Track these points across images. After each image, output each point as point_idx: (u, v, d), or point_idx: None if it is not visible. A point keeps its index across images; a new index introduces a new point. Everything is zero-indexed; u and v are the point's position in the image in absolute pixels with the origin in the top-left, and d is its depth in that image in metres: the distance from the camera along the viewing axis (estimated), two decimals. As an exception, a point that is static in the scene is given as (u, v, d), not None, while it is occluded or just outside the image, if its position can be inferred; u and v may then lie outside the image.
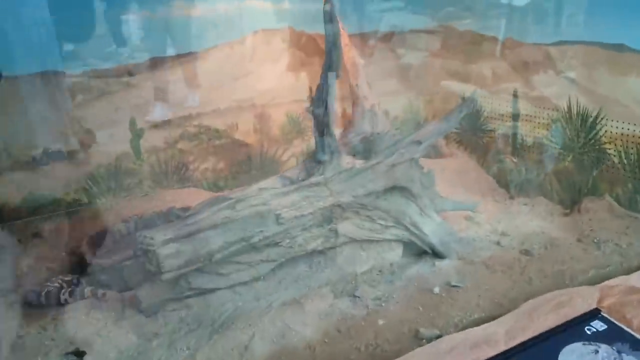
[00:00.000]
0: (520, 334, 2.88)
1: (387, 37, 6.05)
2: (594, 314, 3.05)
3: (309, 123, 3.53)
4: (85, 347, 3.06)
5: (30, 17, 4.06)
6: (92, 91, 4.53)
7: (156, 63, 4.78)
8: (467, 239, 4.13)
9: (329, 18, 3.56)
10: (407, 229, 3.86)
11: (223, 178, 5.23)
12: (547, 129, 5.11)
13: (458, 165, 5.79)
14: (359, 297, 3.47)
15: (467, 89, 5.69)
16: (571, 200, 4.68)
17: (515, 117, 5.39)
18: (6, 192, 4.31)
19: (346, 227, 3.72)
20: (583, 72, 4.88)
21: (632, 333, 2.86)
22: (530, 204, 4.83)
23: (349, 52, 4.25)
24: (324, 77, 3.61)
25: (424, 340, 3.00)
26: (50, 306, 3.48)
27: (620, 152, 4.45)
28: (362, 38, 5.76)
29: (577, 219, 4.44)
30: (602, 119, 4.57)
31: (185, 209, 4.05)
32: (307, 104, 3.83)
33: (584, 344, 2.83)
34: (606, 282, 3.34)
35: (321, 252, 3.76)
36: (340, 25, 3.88)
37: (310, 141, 3.56)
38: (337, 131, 3.85)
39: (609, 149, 4.54)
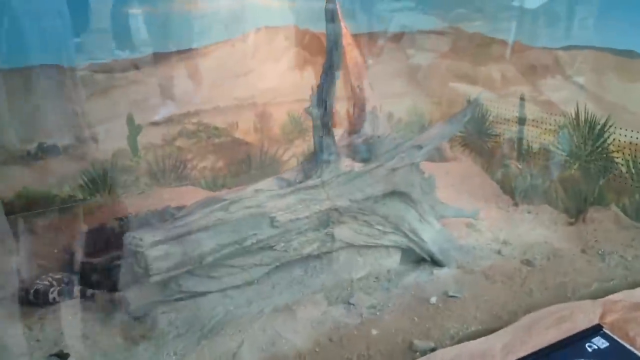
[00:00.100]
0: (518, 349, 2.78)
1: (397, 38, 5.97)
2: (596, 330, 2.95)
3: (311, 123, 3.47)
4: (70, 349, 2.99)
5: (27, 11, 3.99)
6: (90, 86, 4.45)
7: (156, 59, 4.69)
8: (468, 247, 4.02)
9: (331, 17, 3.47)
10: (406, 235, 3.76)
11: (222, 177, 5.15)
12: (554, 135, 5.00)
13: (462, 170, 5.69)
14: (353, 304, 3.38)
15: (474, 92, 5.59)
16: (576, 209, 4.56)
17: (522, 121, 5.29)
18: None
19: (343, 232, 3.63)
20: (592, 77, 4.76)
21: (635, 352, 2.75)
22: (534, 212, 4.72)
23: (352, 52, 4.15)
24: (324, 77, 3.52)
25: (418, 353, 2.90)
26: (39, 305, 3.41)
27: (629, 161, 4.33)
28: (371, 38, 5.67)
29: (582, 229, 4.32)
30: (610, 126, 4.45)
31: (181, 208, 3.96)
32: (307, 104, 3.74)
33: (584, 362, 2.73)
34: (609, 297, 3.24)
35: (317, 257, 3.67)
36: (343, 24, 3.79)
37: (312, 141, 3.48)
38: (336, 133, 3.76)
39: (617, 157, 4.42)
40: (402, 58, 6.14)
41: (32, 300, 3.43)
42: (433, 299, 3.39)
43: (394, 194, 3.72)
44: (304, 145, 5.49)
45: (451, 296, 3.42)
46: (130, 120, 4.61)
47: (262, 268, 3.47)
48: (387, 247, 3.81)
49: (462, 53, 5.96)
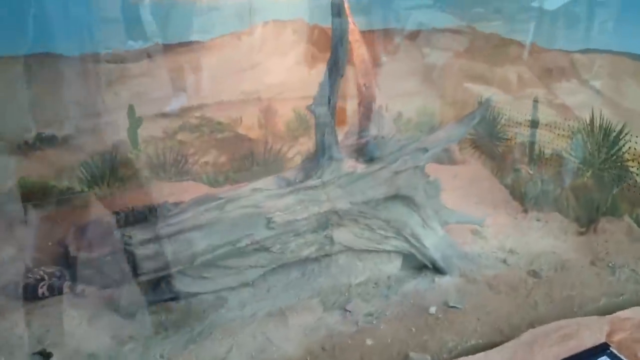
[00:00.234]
0: (519, 367, 2.65)
1: (413, 35, 5.85)
2: (602, 349, 2.82)
3: (316, 121, 3.41)
4: (55, 348, 2.89)
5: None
6: (91, 76, 4.36)
7: (160, 51, 4.60)
8: (472, 254, 3.88)
9: (337, 11, 3.35)
10: (408, 241, 3.63)
11: (224, 173, 5.04)
12: (568, 141, 4.84)
13: (471, 173, 5.53)
14: (349, 311, 3.26)
15: (488, 94, 5.44)
16: (588, 218, 4.39)
17: (535, 125, 5.13)
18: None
19: (343, 235, 3.51)
20: (609, 82, 4.60)
21: (643, 375, 2.61)
22: (543, 220, 4.56)
23: (359, 49, 4.01)
24: (328, 74, 3.40)
25: (414, 366, 2.78)
26: (28, 299, 3.32)
27: (644, 170, 4.17)
28: (386, 35, 5.54)
29: (592, 239, 4.16)
30: (626, 134, 4.30)
31: (179, 204, 3.87)
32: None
33: (588, 383, 2.60)
34: (618, 314, 3.10)
35: (315, 260, 3.56)
36: (351, 19, 3.66)
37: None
38: (340, 132, 3.64)
39: (632, 166, 4.26)
40: (416, 56, 6.00)
41: (21, 295, 3.35)
42: (432, 309, 3.26)
43: (397, 197, 3.59)
44: (309, 143, 5.35)
45: (452, 307, 3.28)
46: (131, 112, 4.51)
47: (258, 270, 3.37)
48: (388, 252, 3.68)
49: (478, 53, 5.82)
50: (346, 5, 3.40)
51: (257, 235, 3.20)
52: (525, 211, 4.72)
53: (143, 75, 4.51)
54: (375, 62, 4.82)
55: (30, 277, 3.48)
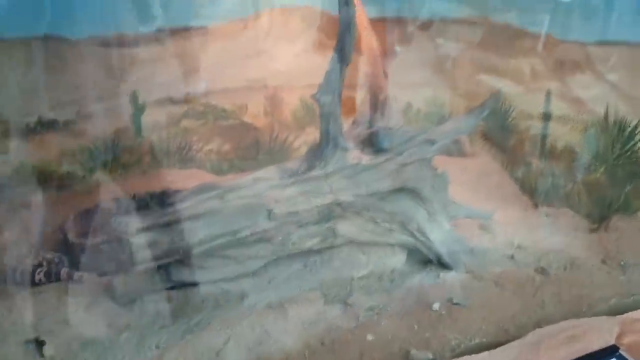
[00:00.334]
0: (523, 369, 2.56)
1: (426, 25, 5.74)
2: (612, 351, 2.72)
3: (324, 110, 3.32)
4: (49, 336, 2.85)
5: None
6: (94, 60, 4.29)
7: (165, 36, 4.51)
8: (479, 250, 3.77)
9: (345, -2, 3.23)
10: (413, 235, 3.53)
11: (228, 161, 4.96)
12: (581, 135, 4.71)
13: (480, 166, 5.41)
14: (351, 305, 3.17)
15: (500, 86, 5.32)
16: (599, 215, 4.27)
17: (547, 118, 5.01)
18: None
19: (346, 228, 3.41)
20: (625, 75, 4.46)
21: (654, 380, 2.51)
22: (553, 216, 4.44)
23: (367, 37, 3.90)
24: (334, 62, 3.30)
25: (415, 364, 2.70)
26: (24, 285, 3.28)
27: (659, 167, 4.05)
28: (399, 24, 5.42)
29: (604, 237, 4.04)
30: (641, 129, 4.17)
31: (181, 192, 3.80)
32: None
33: (595, 387, 2.50)
34: (629, 315, 3.00)
35: (318, 252, 3.48)
36: (360, 7, 3.55)
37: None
38: (345, 122, 3.55)
39: (647, 163, 4.13)
40: (428, 47, 5.90)
41: (18, 280, 3.30)
42: (436, 305, 3.17)
43: (403, 190, 3.49)
44: (316, 132, 5.18)
45: (456, 303, 3.19)
46: (134, 97, 4.44)
47: (258, 261, 3.29)
48: (392, 245, 3.59)
49: (492, 45, 5.72)
50: (355, -8, 3.29)
51: (257, 226, 3.12)
52: (535, 206, 4.61)
53: (147, 61, 4.44)
54: (386, 52, 4.70)
55: (27, 263, 3.43)
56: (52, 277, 3.34)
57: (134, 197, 4.04)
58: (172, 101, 4.68)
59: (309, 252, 3.43)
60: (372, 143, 3.58)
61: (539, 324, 2.99)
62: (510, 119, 5.43)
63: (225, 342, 2.84)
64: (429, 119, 5.86)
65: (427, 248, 3.56)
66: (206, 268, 3.20)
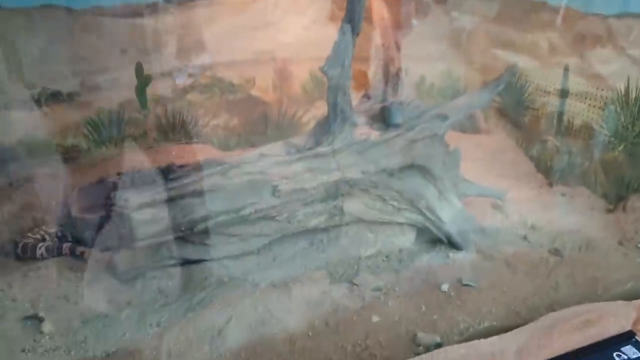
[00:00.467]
0: (535, 354, 2.47)
1: (445, -3, 5.56)
2: (628, 337, 2.64)
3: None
4: (48, 312, 2.80)
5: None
6: (98, 31, 4.17)
7: (170, 5, 4.39)
8: (491, 230, 3.66)
9: (355, -35, 3.08)
10: (422, 214, 3.42)
11: (235, 136, 4.85)
12: (599, 112, 4.54)
13: (495, 143, 5.28)
14: (357, 285, 3.09)
15: (517, 60, 5.15)
16: (617, 195, 4.13)
17: (564, 95, 4.84)
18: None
19: (353, 206, 3.31)
20: (648, 50, 4.28)
21: (671, 368, 2.41)
22: (569, 195, 4.31)
23: (379, 7, 3.75)
24: (342, 33, 3.16)
25: (421, 347, 2.61)
26: (26, 260, 3.23)
27: (681, 146, 3.88)
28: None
29: (621, 218, 3.90)
30: (664, 106, 3.99)
31: (186, 167, 3.71)
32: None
33: (610, 374, 2.41)
34: (646, 299, 2.87)
35: (324, 230, 3.38)
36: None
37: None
38: (354, 96, 3.42)
39: (668, 141, 3.97)
40: (444, 20, 5.73)
41: (19, 255, 3.26)
42: (445, 286, 3.07)
43: (413, 167, 3.37)
44: (326, 107, 5.13)
45: (465, 285, 3.09)
46: (139, 69, 4.32)
47: (263, 239, 3.21)
48: (401, 224, 3.49)
49: (509, 18, 5.53)
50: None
51: (262, 204, 3.03)
52: (550, 185, 4.48)
53: (152, 32, 4.31)
54: (400, 24, 4.53)
55: (30, 237, 3.39)
56: (54, 252, 3.29)
57: (137, 171, 3.96)
58: (177, 73, 4.55)
59: (316, 230, 3.34)
60: (382, 118, 3.45)
61: (552, 307, 2.89)
62: (526, 95, 5.27)
63: (227, 321, 2.77)
64: (443, 93, 5.72)
65: (437, 227, 3.46)
66: (209, 245, 3.12)
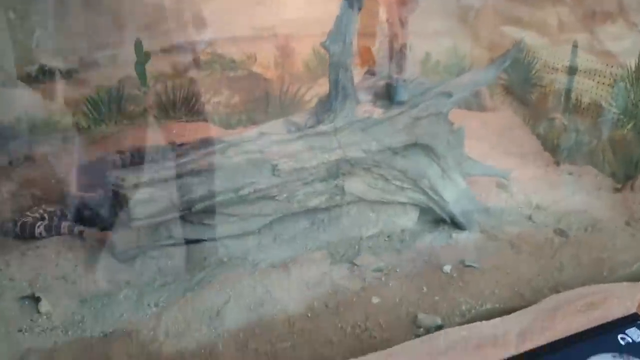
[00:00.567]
0: (538, 336, 2.43)
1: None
2: (632, 320, 2.60)
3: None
4: (46, 292, 2.77)
5: None
6: (96, 5, 4.08)
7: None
8: (495, 209, 3.61)
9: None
10: (425, 193, 3.37)
11: (237, 114, 4.78)
12: (608, 90, 4.44)
13: (501, 121, 5.20)
14: (358, 265, 3.05)
15: (524, 36, 5.03)
16: (625, 174, 4.06)
17: (573, 72, 4.73)
18: (-2, 109, 4.00)
19: (355, 185, 3.26)
20: (661, 26, 4.16)
21: (677, 351, 2.36)
22: (576, 174, 4.24)
23: (383, -19, 3.65)
24: (345, 7, 3.07)
25: (422, 329, 2.58)
26: (25, 239, 3.19)
27: (692, 125, 3.79)
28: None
29: (629, 197, 3.84)
30: (675, 84, 3.89)
31: (186, 145, 3.66)
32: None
33: (614, 357, 2.37)
34: (652, 281, 2.82)
35: (325, 210, 3.33)
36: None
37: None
38: (357, 73, 3.34)
39: (679, 120, 3.88)
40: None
41: (18, 234, 3.23)
42: (447, 267, 3.03)
43: (416, 146, 3.31)
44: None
45: (468, 265, 3.04)
46: (138, 46, 4.24)
47: (262, 219, 3.16)
48: (403, 204, 3.43)
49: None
50: None
51: (261, 183, 2.98)
52: (557, 164, 4.41)
53: (150, 6, 4.21)
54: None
55: (29, 216, 3.35)
56: (53, 230, 3.24)
57: (136, 150, 3.92)
58: (177, 50, 4.47)
59: (317, 209, 3.30)
60: (386, 95, 3.38)
61: (556, 289, 2.85)
62: (533, 72, 5.16)
63: (225, 301, 2.74)
64: (449, 70, 5.61)
65: (440, 207, 3.41)
66: (208, 225, 3.08)
